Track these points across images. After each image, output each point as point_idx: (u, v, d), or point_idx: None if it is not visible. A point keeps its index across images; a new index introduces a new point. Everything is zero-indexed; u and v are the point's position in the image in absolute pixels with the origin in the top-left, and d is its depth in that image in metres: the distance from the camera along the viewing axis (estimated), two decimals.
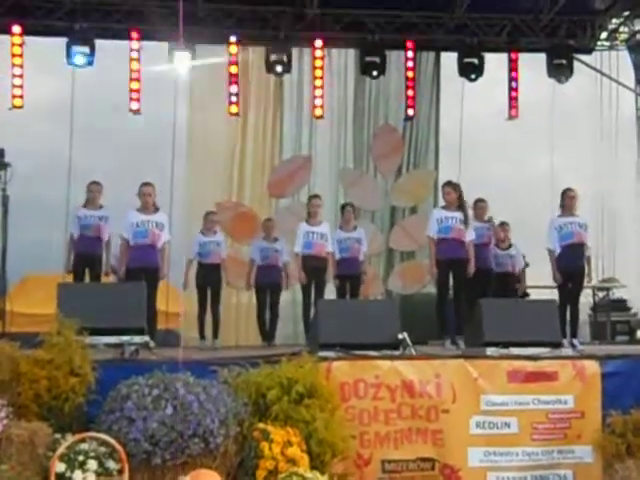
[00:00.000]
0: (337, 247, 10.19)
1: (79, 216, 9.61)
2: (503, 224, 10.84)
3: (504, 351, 7.33)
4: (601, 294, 12.74)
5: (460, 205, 9.34)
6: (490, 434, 7.06)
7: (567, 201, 9.46)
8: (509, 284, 10.56)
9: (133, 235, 9.12)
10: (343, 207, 10.77)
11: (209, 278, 10.17)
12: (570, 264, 9.23)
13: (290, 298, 12.39)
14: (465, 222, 9.24)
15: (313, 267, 9.93)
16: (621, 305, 12.56)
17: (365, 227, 11.17)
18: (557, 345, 7.58)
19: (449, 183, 9.60)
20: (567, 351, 7.69)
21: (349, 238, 10.28)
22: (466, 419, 7.03)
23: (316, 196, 10.55)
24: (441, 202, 9.81)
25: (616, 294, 12.69)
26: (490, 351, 7.33)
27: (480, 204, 10.10)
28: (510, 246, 10.79)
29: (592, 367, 7.28)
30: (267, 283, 10.45)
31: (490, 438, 7.05)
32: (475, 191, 10.49)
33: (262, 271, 10.47)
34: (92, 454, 5.62)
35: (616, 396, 7.15)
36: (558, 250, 9.27)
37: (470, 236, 9.30)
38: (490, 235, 10.09)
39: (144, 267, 8.94)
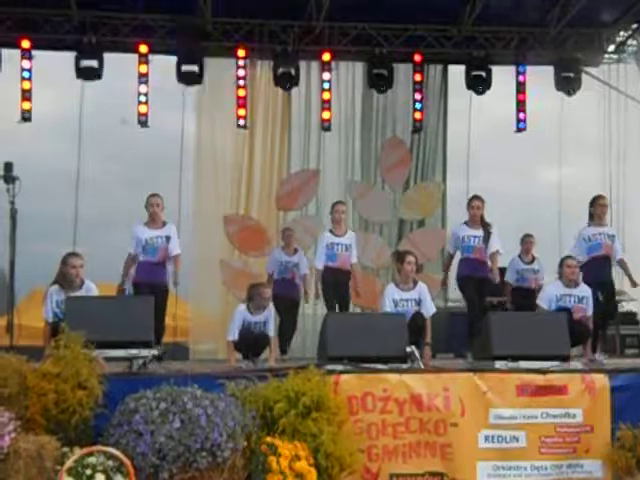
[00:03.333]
0: None
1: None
2: (528, 236, 10.48)
3: (513, 365, 7.30)
4: None
5: (482, 220, 9.13)
6: (499, 448, 7.02)
7: (597, 209, 9.30)
8: (529, 300, 9.95)
9: (143, 252, 8.83)
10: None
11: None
12: (597, 277, 9.08)
13: (299, 311, 12.39)
14: (487, 238, 9.06)
15: (337, 281, 9.43)
16: (630, 318, 12.49)
17: (373, 240, 11.15)
18: (566, 358, 7.55)
19: (478, 197, 9.29)
20: (576, 364, 7.65)
21: None
22: (475, 433, 7.00)
23: (341, 202, 9.99)
24: (464, 217, 9.42)
25: (625, 307, 12.63)
26: (499, 365, 7.30)
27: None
28: (534, 260, 10.41)
29: (601, 381, 7.25)
30: (285, 298, 10.03)
31: (499, 452, 7.01)
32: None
33: (279, 285, 10.06)
34: (100, 468, 5.61)
35: (625, 410, 7.11)
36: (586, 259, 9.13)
37: (495, 247, 9.10)
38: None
39: (152, 284, 8.69)
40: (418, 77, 12.77)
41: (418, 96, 12.79)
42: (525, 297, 10.08)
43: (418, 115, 12.82)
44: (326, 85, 12.53)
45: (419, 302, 8.50)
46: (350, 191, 13.15)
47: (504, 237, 10.74)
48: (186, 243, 11.80)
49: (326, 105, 12.53)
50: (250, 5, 11.95)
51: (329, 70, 12.54)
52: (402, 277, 8.58)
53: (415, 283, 8.58)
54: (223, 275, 12.36)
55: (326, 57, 12.47)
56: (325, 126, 12.60)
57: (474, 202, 9.19)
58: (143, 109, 12.01)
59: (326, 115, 12.55)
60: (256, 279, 10.71)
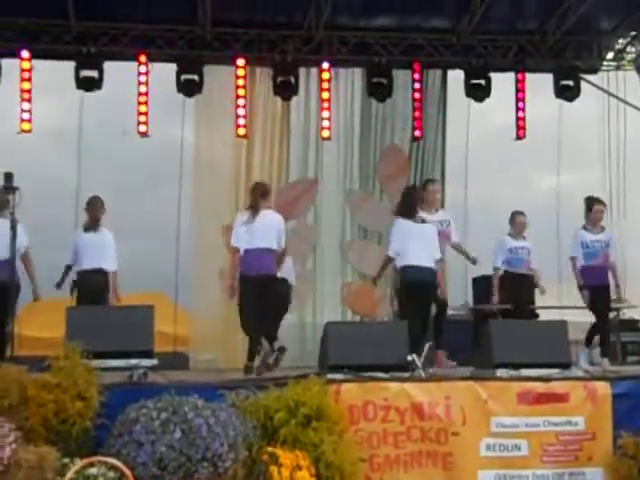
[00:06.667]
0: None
1: None
2: (599, 202, 9.75)
3: (514, 372, 7.29)
4: (611, 314, 12.65)
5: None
6: (501, 457, 6.99)
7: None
8: (520, 287, 9.88)
9: None
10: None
11: None
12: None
13: (297, 320, 12.40)
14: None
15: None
16: (631, 325, 12.46)
17: (372, 249, 11.12)
18: (567, 366, 7.54)
19: (598, 200, 9.55)
20: (577, 372, 7.64)
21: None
22: (476, 442, 6.97)
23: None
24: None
25: (626, 314, 12.61)
26: (500, 372, 7.29)
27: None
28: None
29: (603, 388, 7.23)
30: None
31: (501, 461, 6.98)
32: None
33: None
34: (101, 478, 5.59)
35: (627, 417, 7.09)
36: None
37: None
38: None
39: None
40: (417, 85, 12.78)
41: (417, 104, 12.80)
42: (517, 283, 9.88)
43: (417, 123, 12.82)
44: (325, 104, 12.50)
45: (444, 222, 9.19)
46: (348, 200, 13.14)
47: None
48: (185, 252, 11.87)
49: (325, 124, 12.51)
50: (249, 15, 11.99)
51: (328, 90, 12.53)
52: (428, 204, 9.19)
53: (437, 209, 9.37)
54: (222, 284, 12.34)
55: (325, 75, 12.47)
56: (324, 136, 12.60)
57: (597, 206, 9.41)
58: (143, 119, 12.00)
59: (325, 134, 12.54)
60: None
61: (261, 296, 8.32)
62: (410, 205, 8.78)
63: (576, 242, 9.48)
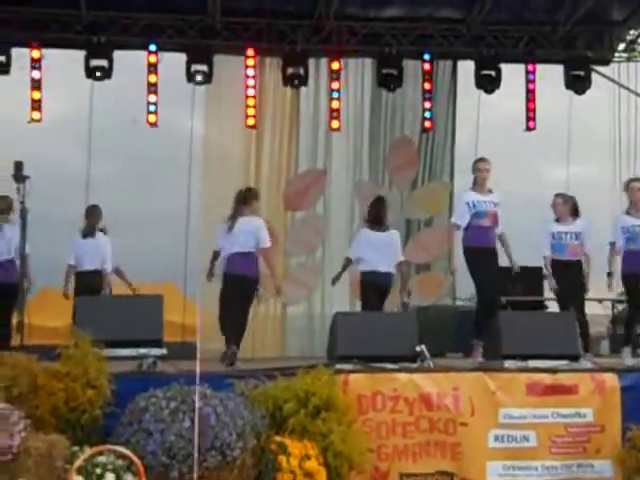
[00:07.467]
0: None
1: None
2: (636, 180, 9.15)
3: (522, 364, 7.29)
4: (620, 307, 12.62)
5: None
6: (509, 448, 7.01)
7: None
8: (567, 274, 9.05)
9: None
10: None
11: None
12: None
13: (306, 310, 12.40)
14: None
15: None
16: None
17: None
18: (575, 358, 7.54)
19: (636, 178, 9.07)
20: (586, 364, 7.63)
21: None
22: (485, 432, 6.99)
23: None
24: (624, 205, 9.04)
25: None
26: (508, 364, 7.29)
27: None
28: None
29: (611, 380, 7.23)
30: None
31: (509, 452, 7.00)
32: None
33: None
34: (110, 467, 5.61)
35: (636, 410, 7.09)
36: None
37: None
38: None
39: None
40: (427, 76, 12.74)
41: (427, 95, 12.76)
42: (561, 271, 9.13)
43: (427, 114, 12.79)
44: (335, 95, 12.47)
45: (497, 204, 8.76)
46: (358, 191, 13.11)
47: (512, 236, 10.60)
48: (195, 243, 11.86)
49: (334, 114, 12.49)
50: (259, 4, 11.97)
51: (338, 80, 12.50)
52: (478, 184, 8.81)
53: (491, 190, 8.81)
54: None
55: (335, 66, 12.44)
56: (334, 127, 12.58)
57: (633, 184, 8.82)
58: (152, 109, 12.00)
59: (335, 125, 12.50)
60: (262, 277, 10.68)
61: (236, 295, 8.77)
62: (375, 215, 9.48)
63: (616, 227, 8.87)
